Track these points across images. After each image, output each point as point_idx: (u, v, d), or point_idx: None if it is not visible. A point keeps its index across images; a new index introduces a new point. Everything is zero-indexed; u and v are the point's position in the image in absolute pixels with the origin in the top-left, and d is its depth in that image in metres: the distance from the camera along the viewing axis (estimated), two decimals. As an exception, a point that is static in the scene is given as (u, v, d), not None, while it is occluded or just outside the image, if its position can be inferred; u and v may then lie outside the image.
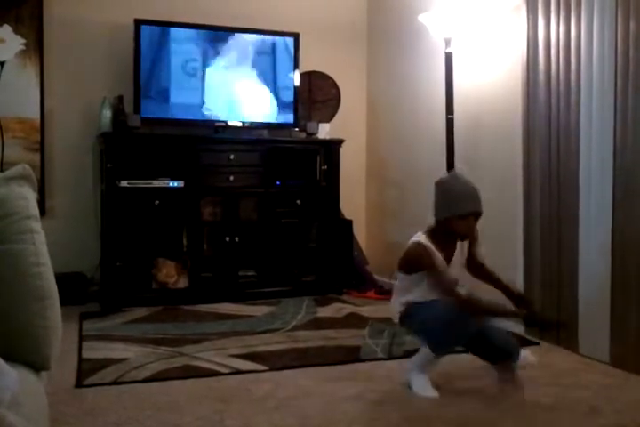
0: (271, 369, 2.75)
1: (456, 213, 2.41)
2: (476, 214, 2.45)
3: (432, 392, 2.44)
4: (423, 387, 2.46)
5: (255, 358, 2.88)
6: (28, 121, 4.11)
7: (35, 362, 1.40)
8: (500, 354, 2.56)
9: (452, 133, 3.68)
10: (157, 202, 3.98)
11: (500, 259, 3.57)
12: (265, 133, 4.54)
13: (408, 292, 2.57)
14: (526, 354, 2.69)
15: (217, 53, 4.26)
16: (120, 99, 4.10)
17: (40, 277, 1.39)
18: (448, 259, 2.51)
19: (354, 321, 3.62)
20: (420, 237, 2.49)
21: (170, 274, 4.05)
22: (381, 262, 4.77)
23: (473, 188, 2.46)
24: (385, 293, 4.39)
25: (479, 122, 3.78)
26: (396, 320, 2.62)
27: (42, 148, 4.16)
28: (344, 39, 4.93)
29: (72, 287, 3.97)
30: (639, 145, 2.69)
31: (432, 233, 2.50)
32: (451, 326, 2.38)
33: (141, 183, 3.94)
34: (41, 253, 1.42)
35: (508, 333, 2.74)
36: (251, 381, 2.60)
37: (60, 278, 1.62)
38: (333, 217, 4.41)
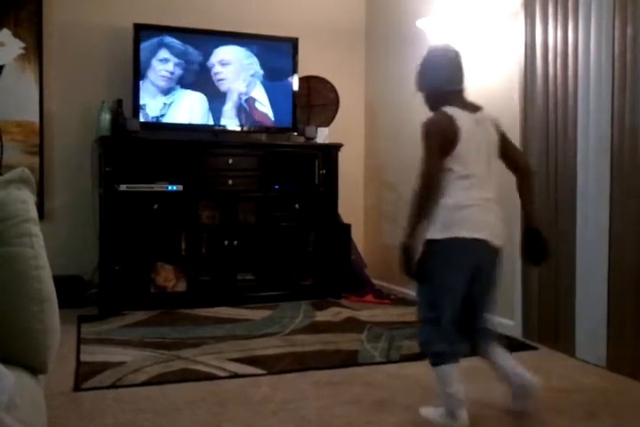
0: (269, 373, 2.75)
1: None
2: None
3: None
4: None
5: (253, 362, 2.88)
6: (27, 124, 4.12)
7: (33, 365, 1.40)
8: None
9: (450, 138, 3.68)
10: (156, 206, 3.99)
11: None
12: (263, 138, 4.55)
13: (445, 194, 2.19)
14: None
15: (216, 58, 4.27)
16: (119, 102, 4.11)
17: (39, 280, 1.40)
18: None
19: (352, 325, 3.62)
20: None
21: (168, 278, 4.05)
22: (379, 266, 4.78)
23: None
24: (383, 297, 4.40)
25: (477, 126, 3.78)
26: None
27: (41, 151, 4.17)
28: (343, 44, 4.95)
29: (70, 290, 3.97)
30: (636, 148, 2.70)
31: None
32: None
33: (140, 187, 3.94)
34: (40, 256, 1.42)
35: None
36: (249, 385, 2.61)
37: (59, 281, 1.63)
38: (331, 221, 4.42)
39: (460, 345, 2.27)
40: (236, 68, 4.34)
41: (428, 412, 2.28)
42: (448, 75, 2.36)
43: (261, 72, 4.39)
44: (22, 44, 4.10)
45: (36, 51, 4.13)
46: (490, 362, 2.32)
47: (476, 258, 2.24)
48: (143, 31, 4.08)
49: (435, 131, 2.20)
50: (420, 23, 3.72)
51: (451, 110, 2.22)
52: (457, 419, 2.16)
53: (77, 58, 4.29)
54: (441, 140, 2.18)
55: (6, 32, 4.06)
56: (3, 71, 4.07)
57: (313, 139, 4.45)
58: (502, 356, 2.30)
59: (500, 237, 2.29)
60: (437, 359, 2.20)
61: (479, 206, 2.22)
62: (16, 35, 4.08)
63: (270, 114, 4.42)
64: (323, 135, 4.50)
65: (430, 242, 2.19)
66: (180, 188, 4.03)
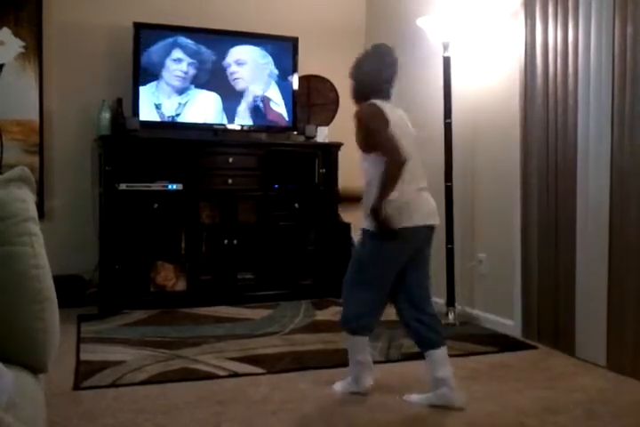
0: (269, 372, 2.75)
1: None
2: None
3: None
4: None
5: (253, 362, 2.88)
6: (27, 123, 4.12)
7: (32, 364, 1.40)
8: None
9: (451, 137, 3.69)
10: (156, 205, 3.98)
11: (498, 263, 3.58)
12: (263, 137, 4.55)
13: (371, 185, 2.44)
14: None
15: (216, 57, 4.27)
16: (119, 102, 4.11)
17: (38, 280, 1.40)
18: None
19: (352, 324, 3.62)
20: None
21: (168, 277, 4.05)
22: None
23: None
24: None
25: (477, 126, 3.79)
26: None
27: (41, 150, 4.17)
28: (343, 43, 4.94)
29: (70, 290, 3.97)
30: (636, 148, 2.70)
31: None
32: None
33: (140, 186, 3.94)
34: (39, 255, 1.42)
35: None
36: (248, 384, 2.61)
37: (59, 281, 1.63)
38: (331, 220, 4.42)
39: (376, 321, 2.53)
40: (251, 68, 4.34)
41: (341, 385, 2.52)
42: (384, 72, 2.53)
43: (276, 72, 4.40)
44: (22, 43, 4.10)
45: (36, 50, 4.12)
46: None
47: (414, 243, 2.42)
48: (143, 30, 4.08)
49: (376, 114, 2.36)
50: (420, 22, 3.72)
51: (378, 102, 2.40)
52: (360, 384, 2.47)
53: (77, 57, 4.29)
54: (384, 122, 2.34)
55: (6, 31, 4.06)
56: (3, 70, 4.07)
57: (313, 138, 4.45)
58: None
59: (434, 215, 2.47)
60: (358, 330, 2.43)
61: (417, 197, 2.39)
62: (16, 34, 4.08)
63: (285, 114, 4.43)
64: (323, 134, 4.50)
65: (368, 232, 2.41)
66: (180, 187, 4.03)
